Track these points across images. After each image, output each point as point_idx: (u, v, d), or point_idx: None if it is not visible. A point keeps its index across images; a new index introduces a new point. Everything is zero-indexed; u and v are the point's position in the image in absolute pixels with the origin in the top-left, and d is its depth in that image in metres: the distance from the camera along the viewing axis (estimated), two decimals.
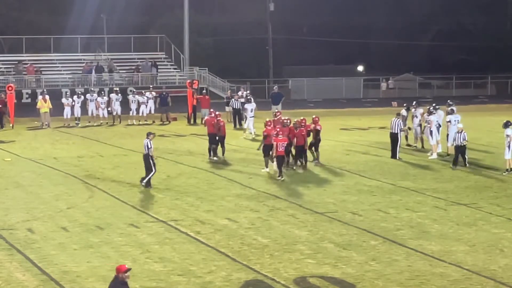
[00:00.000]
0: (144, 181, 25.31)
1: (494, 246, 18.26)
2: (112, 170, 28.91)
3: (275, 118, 31.38)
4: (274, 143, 26.87)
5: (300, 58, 75.94)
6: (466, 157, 29.09)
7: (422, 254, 17.63)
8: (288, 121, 28.91)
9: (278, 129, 27.57)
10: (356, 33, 77.58)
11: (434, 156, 31.24)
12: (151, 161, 25.36)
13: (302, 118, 29.76)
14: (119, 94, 46.40)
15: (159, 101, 46.67)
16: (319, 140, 29.75)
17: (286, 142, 27.22)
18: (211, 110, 33.35)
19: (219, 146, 31.14)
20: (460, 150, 28.86)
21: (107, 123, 44.93)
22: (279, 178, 26.53)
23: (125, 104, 46.29)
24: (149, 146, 25.34)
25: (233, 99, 44.15)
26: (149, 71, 60.66)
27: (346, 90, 67.44)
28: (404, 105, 36.05)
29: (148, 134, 25.83)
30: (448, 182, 26.45)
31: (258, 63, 72.69)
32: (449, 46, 79.00)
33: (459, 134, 28.75)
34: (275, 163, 27.36)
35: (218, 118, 31.32)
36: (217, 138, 30.92)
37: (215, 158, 30.81)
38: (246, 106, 40.66)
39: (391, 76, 72.70)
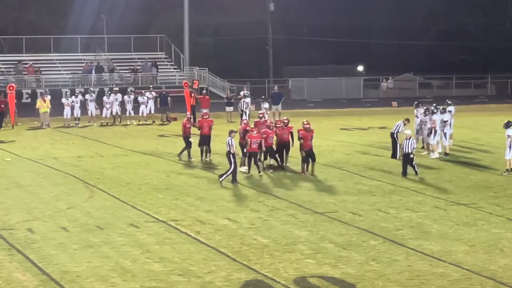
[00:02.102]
0: (222, 178, 25.84)
1: (494, 246, 18.25)
2: (112, 170, 28.91)
3: (261, 120, 31.10)
4: (248, 140, 27.34)
5: (300, 58, 75.98)
6: (415, 165, 27.14)
7: (422, 254, 17.63)
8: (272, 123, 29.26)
9: (252, 127, 28.32)
10: (356, 33, 77.63)
11: (436, 155, 31.23)
12: (231, 158, 25.83)
13: (285, 118, 29.84)
14: (118, 94, 46.47)
15: (159, 101, 46.72)
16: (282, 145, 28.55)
17: (259, 139, 27.61)
18: (205, 111, 33.32)
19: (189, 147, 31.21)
20: (408, 159, 27.03)
21: (107, 123, 44.98)
22: (245, 172, 27.31)
23: (123, 104, 46.39)
24: (231, 144, 25.84)
25: (241, 101, 44.26)
26: (149, 71, 60.69)
27: (346, 90, 67.48)
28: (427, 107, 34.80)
29: (230, 132, 26.37)
30: (448, 182, 26.45)
31: (258, 63, 72.77)
32: (449, 46, 79.07)
33: (407, 141, 27.01)
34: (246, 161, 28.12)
35: (205, 117, 31.41)
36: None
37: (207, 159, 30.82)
38: (265, 106, 43.04)
39: (391, 76, 72.73)
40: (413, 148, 26.99)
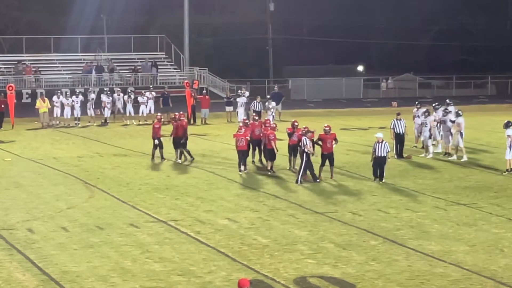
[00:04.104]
0: (298, 178, 25.99)
1: (494, 246, 18.26)
2: (112, 170, 28.92)
3: (256, 122, 30.88)
4: (234, 138, 27.86)
5: (300, 58, 75.90)
6: (384, 171, 26.23)
7: (422, 254, 17.64)
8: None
9: (240, 126, 28.77)
10: (356, 33, 77.52)
11: (465, 158, 30.89)
12: (304, 157, 25.95)
13: (294, 120, 29.70)
14: (121, 94, 46.62)
15: (161, 100, 46.69)
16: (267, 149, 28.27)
17: (246, 137, 27.89)
18: (181, 112, 32.99)
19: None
20: (380, 161, 26.16)
21: (107, 123, 45.00)
22: (242, 171, 27.70)
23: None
24: (305, 143, 26.01)
25: (255, 101, 44.19)
26: (149, 71, 60.68)
27: (346, 90, 67.44)
28: (435, 104, 34.06)
29: (306, 132, 26.55)
30: (448, 182, 26.45)
31: (258, 63, 72.70)
32: (449, 46, 78.98)
33: (380, 144, 26.03)
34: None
35: (182, 118, 31.26)
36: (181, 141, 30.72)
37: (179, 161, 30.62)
38: (270, 105, 43.79)
39: (391, 76, 72.68)
40: (387, 151, 26.17)
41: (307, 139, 26.19)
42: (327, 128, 27.16)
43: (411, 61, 74.61)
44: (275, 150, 27.77)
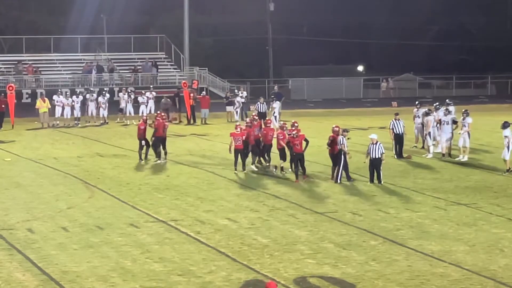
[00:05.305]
0: (338, 178, 25.98)
1: (494, 246, 18.25)
2: (112, 170, 28.92)
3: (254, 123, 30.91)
4: (231, 138, 27.92)
5: (300, 58, 75.97)
6: (381, 172, 25.86)
7: (422, 254, 17.63)
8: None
9: (236, 125, 28.87)
10: (356, 33, 77.63)
11: (465, 158, 30.83)
12: (342, 156, 25.97)
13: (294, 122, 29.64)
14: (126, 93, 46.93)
15: (178, 100, 46.64)
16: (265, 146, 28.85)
17: (243, 137, 27.95)
18: (158, 112, 32.84)
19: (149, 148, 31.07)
20: (375, 163, 25.82)
21: (107, 123, 45.01)
22: (239, 171, 27.72)
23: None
24: (342, 142, 26.05)
25: (258, 103, 44.10)
26: (149, 71, 60.70)
27: (346, 90, 67.47)
28: (435, 104, 33.70)
29: (343, 131, 26.52)
30: (448, 182, 26.44)
31: (258, 63, 72.75)
32: (449, 46, 79.06)
33: (374, 145, 25.72)
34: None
35: (157, 118, 31.19)
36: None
37: (159, 161, 30.52)
38: (274, 105, 43.85)
39: (391, 76, 72.72)
40: (382, 153, 25.82)
41: (344, 138, 26.21)
42: (337, 129, 26.98)
43: (411, 61, 74.68)
44: (285, 149, 27.75)
